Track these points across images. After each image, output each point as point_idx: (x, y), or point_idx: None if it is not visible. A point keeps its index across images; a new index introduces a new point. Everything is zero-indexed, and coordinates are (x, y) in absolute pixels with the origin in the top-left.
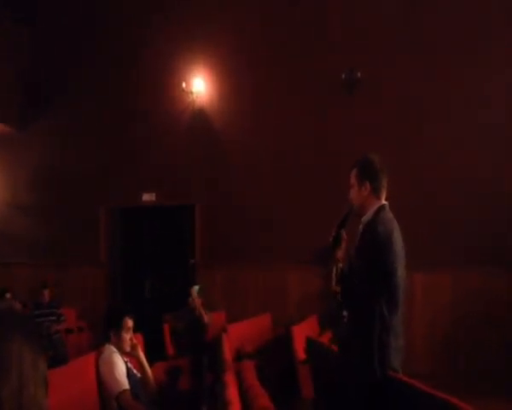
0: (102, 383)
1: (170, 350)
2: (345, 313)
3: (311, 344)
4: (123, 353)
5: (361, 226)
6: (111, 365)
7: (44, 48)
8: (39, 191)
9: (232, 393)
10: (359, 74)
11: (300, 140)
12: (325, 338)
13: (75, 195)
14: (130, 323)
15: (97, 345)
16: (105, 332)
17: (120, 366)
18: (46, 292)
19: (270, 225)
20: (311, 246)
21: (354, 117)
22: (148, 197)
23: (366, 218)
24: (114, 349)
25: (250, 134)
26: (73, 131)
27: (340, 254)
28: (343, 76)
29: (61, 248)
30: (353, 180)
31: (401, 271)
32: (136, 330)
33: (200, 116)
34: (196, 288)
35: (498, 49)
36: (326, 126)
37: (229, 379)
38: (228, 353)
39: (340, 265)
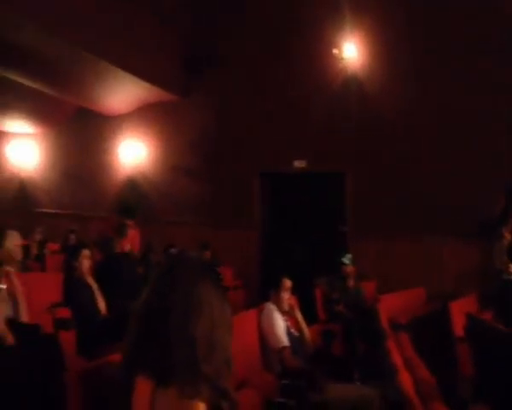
0: (264, 337)
1: (322, 315)
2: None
3: (472, 321)
4: (282, 311)
5: None
6: (272, 321)
7: (205, 23)
8: (200, 156)
9: (397, 359)
10: None
11: (463, 109)
12: (486, 316)
13: (231, 159)
14: (288, 283)
15: (252, 303)
16: (266, 291)
17: (280, 323)
18: (207, 253)
19: (424, 196)
20: (470, 218)
21: None
22: (299, 164)
23: None
24: (274, 307)
25: (404, 102)
26: (230, 99)
27: (507, 229)
28: None
29: (218, 210)
30: None
31: None
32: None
33: (351, 82)
34: (349, 256)
35: None
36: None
37: (391, 346)
38: (385, 321)
39: (507, 241)
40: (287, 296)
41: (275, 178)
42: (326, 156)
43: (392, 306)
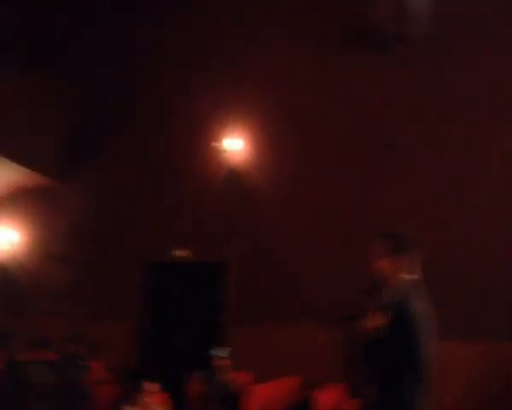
0: None
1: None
2: (371, 387)
3: None
4: None
5: (392, 301)
6: None
7: (84, 104)
8: (77, 243)
9: None
10: (397, 140)
11: (339, 201)
12: (352, 406)
13: (109, 249)
14: (153, 387)
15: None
16: (128, 395)
17: None
18: (81, 346)
19: (303, 284)
20: (341, 305)
21: (392, 184)
22: (180, 253)
23: (397, 291)
24: None
25: (284, 194)
26: (109, 187)
27: (367, 323)
28: (383, 141)
29: (96, 301)
30: (384, 251)
31: (429, 348)
32: (163, 388)
33: (234, 174)
34: (225, 349)
35: None
36: (367, 190)
37: None
38: None
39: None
40: (148, 399)
41: (157, 268)
42: (208, 246)
43: (265, 396)
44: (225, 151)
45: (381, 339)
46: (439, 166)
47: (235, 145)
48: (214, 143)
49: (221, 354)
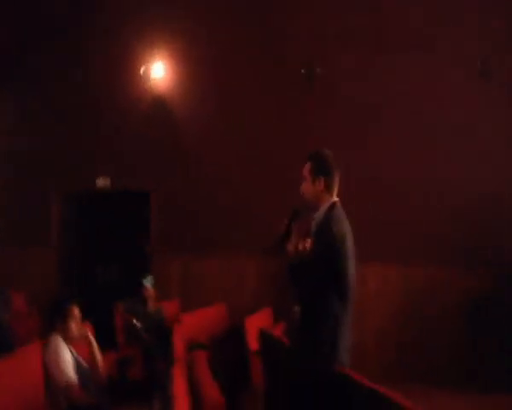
0: (49, 375)
1: (120, 339)
2: (296, 309)
3: (263, 336)
4: (70, 342)
5: (313, 223)
6: (57, 356)
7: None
8: None
9: (179, 386)
10: (318, 70)
11: (260, 132)
12: (278, 330)
13: (28, 178)
14: (76, 311)
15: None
16: (50, 322)
17: (67, 357)
18: None
19: (228, 212)
20: (269, 235)
21: (313, 114)
22: (102, 182)
23: (319, 215)
24: (61, 339)
25: (209, 123)
26: (27, 113)
27: (289, 247)
28: (302, 71)
29: (12, 232)
30: (306, 174)
31: (352, 270)
32: (87, 317)
33: (158, 102)
34: (150, 278)
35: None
36: (285, 121)
37: (177, 371)
38: (179, 344)
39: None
40: (75, 325)
41: (77, 197)
42: (131, 175)
43: (193, 325)
44: (148, 78)
45: (305, 262)
46: (361, 92)
47: (157, 72)
48: (141, 70)
49: (145, 282)
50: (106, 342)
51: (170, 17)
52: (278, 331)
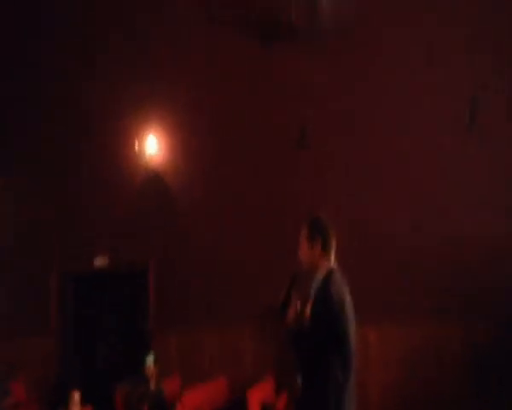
0: None
1: None
2: (299, 380)
3: None
4: None
5: (312, 291)
6: None
7: None
8: None
9: None
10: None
11: (257, 201)
12: (281, 402)
13: (25, 260)
14: (76, 396)
15: None
16: (52, 409)
17: None
18: None
19: (225, 283)
20: (267, 302)
21: (305, 176)
22: (100, 262)
23: (317, 280)
24: None
25: (204, 196)
26: (24, 193)
27: (290, 313)
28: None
29: (8, 318)
30: (303, 239)
31: (353, 334)
32: (87, 401)
33: (153, 178)
34: (151, 356)
35: None
36: (281, 187)
37: None
38: None
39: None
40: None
41: (75, 277)
42: (129, 253)
43: (195, 403)
44: (142, 152)
45: (306, 328)
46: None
47: (150, 146)
48: (135, 145)
49: (149, 361)
50: None
51: (164, 90)
52: (281, 404)
